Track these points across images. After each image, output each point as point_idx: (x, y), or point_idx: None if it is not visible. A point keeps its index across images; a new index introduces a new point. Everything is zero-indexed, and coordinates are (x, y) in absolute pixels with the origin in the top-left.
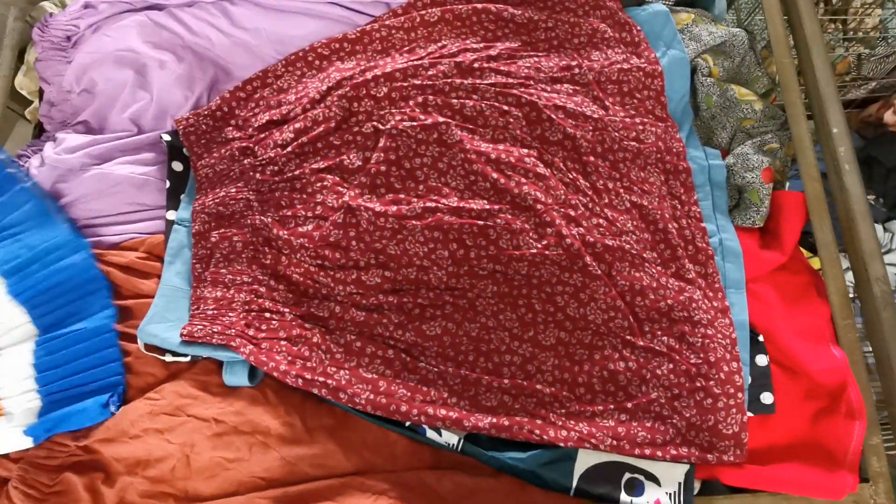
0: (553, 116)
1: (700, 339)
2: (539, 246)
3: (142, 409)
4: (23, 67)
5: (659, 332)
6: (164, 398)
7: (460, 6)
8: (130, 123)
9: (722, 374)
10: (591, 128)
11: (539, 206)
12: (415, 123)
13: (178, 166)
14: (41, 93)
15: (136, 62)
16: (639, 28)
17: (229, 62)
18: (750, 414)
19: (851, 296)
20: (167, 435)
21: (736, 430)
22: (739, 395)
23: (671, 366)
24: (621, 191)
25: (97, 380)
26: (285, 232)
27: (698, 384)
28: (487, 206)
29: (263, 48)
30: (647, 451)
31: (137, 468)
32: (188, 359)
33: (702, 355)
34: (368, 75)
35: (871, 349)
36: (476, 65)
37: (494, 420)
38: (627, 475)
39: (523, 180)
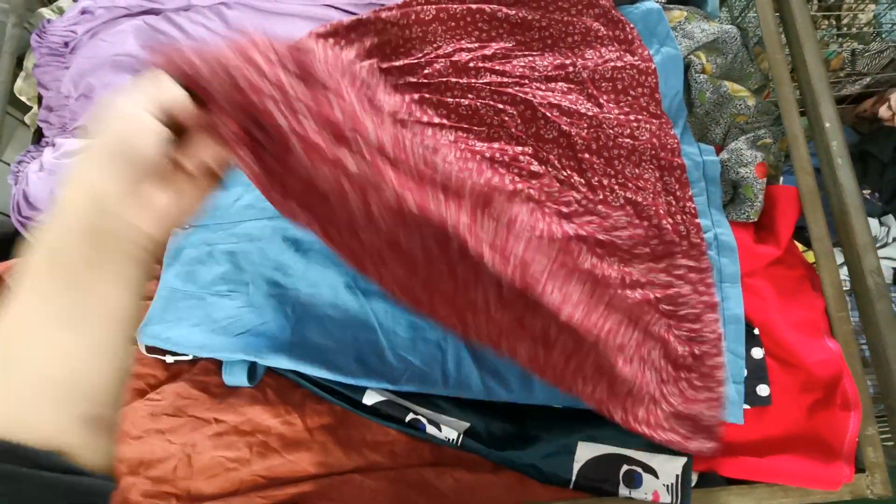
0: (548, 114)
1: (685, 334)
2: None
3: (143, 411)
4: (22, 73)
5: None
6: (165, 399)
7: (455, 5)
8: None
9: (704, 369)
10: (585, 125)
11: (533, 204)
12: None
13: None
14: (40, 98)
15: (133, 67)
16: (632, 26)
17: None
18: (746, 406)
19: (846, 289)
20: (168, 435)
21: (714, 424)
22: (720, 389)
23: (662, 351)
24: (616, 187)
25: None
26: None
27: (682, 375)
28: None
29: None
30: (645, 430)
31: (140, 468)
32: (190, 358)
33: (686, 348)
34: None
35: (865, 341)
36: (471, 64)
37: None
38: (625, 467)
39: (518, 178)
